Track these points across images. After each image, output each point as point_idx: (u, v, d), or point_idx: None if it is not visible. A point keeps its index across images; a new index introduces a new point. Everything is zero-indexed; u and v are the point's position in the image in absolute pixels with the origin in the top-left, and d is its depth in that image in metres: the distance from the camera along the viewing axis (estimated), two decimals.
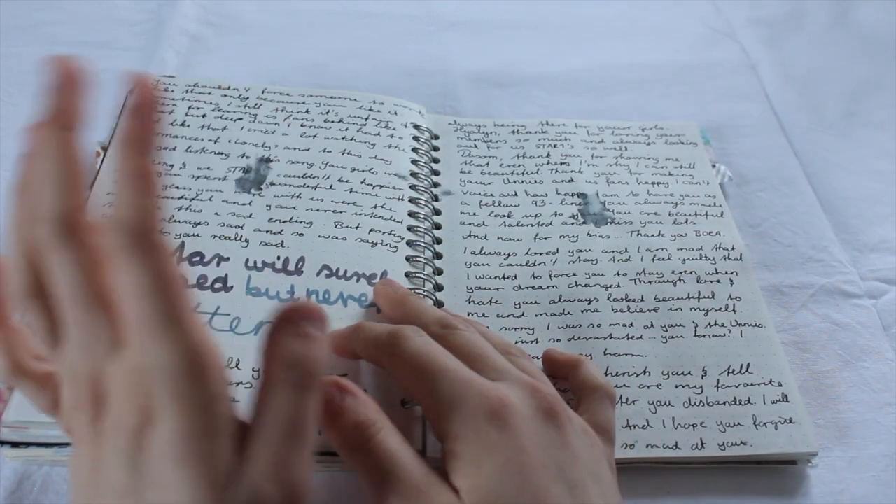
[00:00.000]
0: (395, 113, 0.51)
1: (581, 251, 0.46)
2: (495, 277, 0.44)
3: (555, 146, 0.52)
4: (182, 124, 0.48)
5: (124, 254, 0.22)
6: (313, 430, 0.25)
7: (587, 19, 0.68)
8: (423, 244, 0.44)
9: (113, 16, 0.63)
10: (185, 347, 0.22)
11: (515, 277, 0.44)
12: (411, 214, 0.45)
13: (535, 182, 0.50)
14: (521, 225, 0.47)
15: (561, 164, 0.51)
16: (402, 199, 0.46)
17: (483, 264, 0.45)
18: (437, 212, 0.47)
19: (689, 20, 0.69)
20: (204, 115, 0.49)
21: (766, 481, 0.38)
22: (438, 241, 0.45)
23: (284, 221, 0.43)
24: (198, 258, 0.41)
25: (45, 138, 0.23)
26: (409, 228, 0.44)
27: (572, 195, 0.49)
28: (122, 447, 0.23)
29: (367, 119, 0.50)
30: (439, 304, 0.42)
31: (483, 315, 0.42)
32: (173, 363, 0.22)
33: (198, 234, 0.42)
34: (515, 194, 0.49)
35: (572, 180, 0.50)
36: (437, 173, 0.50)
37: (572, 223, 0.47)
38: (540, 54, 0.64)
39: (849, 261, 0.49)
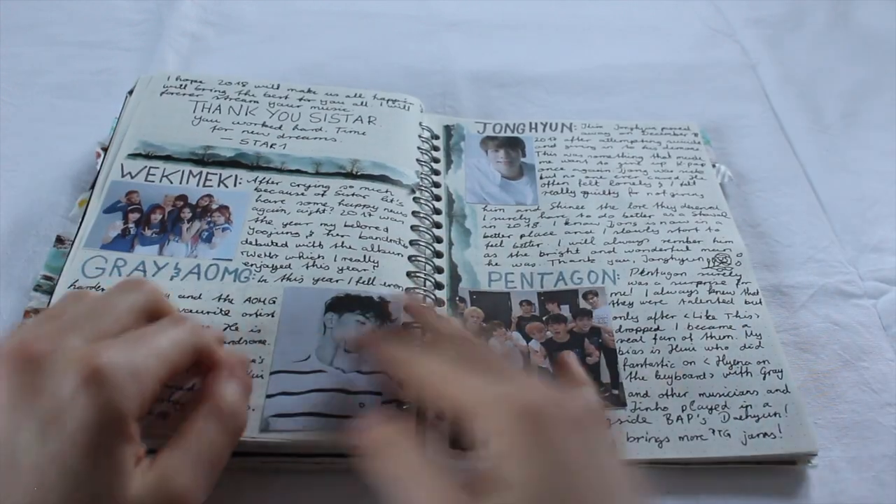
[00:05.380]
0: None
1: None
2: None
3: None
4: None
5: None
6: (223, 462, 0.30)
7: (587, 19, 0.68)
8: (423, 244, 0.44)
9: (113, 16, 0.63)
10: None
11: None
12: (413, 214, 0.45)
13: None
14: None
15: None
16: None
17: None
18: (438, 211, 0.47)
19: (689, 20, 0.69)
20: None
21: (766, 481, 0.38)
22: (438, 241, 0.46)
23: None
24: None
25: None
26: (412, 228, 0.44)
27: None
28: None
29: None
30: (439, 302, 0.42)
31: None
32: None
33: None
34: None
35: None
36: (436, 173, 0.50)
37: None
38: (540, 54, 0.63)
39: (849, 261, 0.49)
